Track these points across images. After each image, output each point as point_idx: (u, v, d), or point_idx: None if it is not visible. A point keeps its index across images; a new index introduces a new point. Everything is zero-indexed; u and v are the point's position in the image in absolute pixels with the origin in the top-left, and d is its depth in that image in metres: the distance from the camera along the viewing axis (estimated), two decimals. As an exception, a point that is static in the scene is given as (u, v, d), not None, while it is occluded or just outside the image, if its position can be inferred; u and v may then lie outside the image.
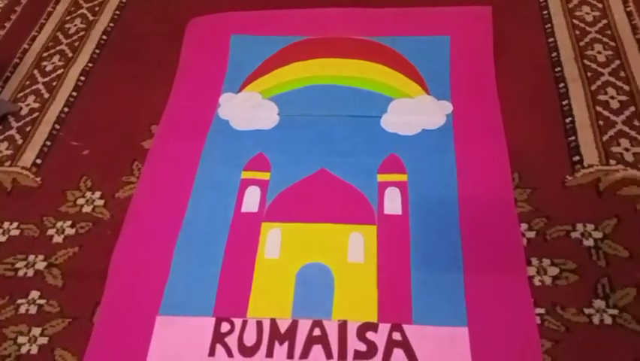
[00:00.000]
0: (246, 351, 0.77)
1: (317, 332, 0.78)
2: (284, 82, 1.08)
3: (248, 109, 1.04)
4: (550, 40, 1.11)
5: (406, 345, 0.76)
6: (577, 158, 0.93)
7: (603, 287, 0.80)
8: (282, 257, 0.86)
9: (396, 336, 0.77)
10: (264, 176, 0.95)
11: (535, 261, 0.83)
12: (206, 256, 0.86)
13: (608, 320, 0.76)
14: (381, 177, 0.93)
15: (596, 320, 0.77)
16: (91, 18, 1.27)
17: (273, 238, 0.88)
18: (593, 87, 1.02)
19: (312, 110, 1.03)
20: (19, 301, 0.86)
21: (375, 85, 1.06)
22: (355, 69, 1.08)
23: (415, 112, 1.01)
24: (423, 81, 1.05)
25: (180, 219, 0.90)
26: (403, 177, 0.93)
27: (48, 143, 1.05)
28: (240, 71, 1.10)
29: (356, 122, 1.01)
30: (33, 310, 0.85)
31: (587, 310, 0.78)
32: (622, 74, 1.04)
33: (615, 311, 0.77)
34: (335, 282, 0.83)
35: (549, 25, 1.13)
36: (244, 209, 0.91)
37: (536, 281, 0.81)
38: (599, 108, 0.99)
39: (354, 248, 0.86)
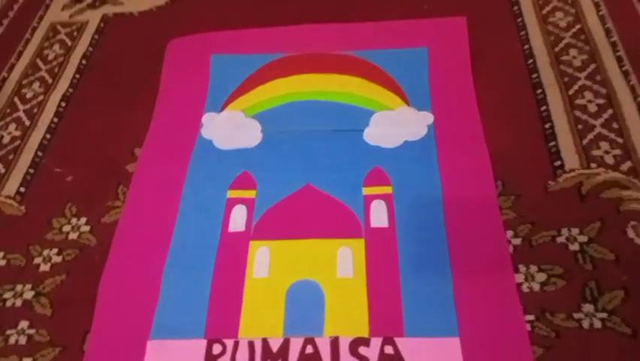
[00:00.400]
0: (239, 373, 0.77)
1: (309, 349, 0.78)
2: (265, 99, 1.08)
3: (231, 128, 1.05)
4: (526, 47, 1.12)
5: (398, 358, 0.76)
6: (558, 163, 0.94)
7: (591, 291, 0.80)
8: (271, 276, 0.85)
9: (389, 350, 0.77)
10: (250, 194, 0.95)
11: (522, 268, 0.83)
12: (194, 277, 0.86)
13: (598, 324, 0.77)
14: (367, 190, 0.94)
15: (585, 324, 0.77)
16: (69, 43, 1.27)
17: (261, 257, 0.87)
18: (571, 92, 1.04)
19: (294, 126, 1.04)
20: (9, 331, 0.85)
21: (356, 99, 1.06)
22: (335, 84, 1.09)
23: (396, 124, 1.02)
24: (403, 93, 1.06)
25: (167, 242, 0.90)
26: (387, 190, 0.93)
27: (31, 170, 1.04)
28: (221, 91, 1.10)
29: (338, 136, 1.02)
30: (23, 340, 0.84)
31: (576, 315, 0.78)
32: (598, 77, 1.05)
33: (604, 315, 0.78)
34: (325, 298, 0.83)
35: (524, 32, 1.14)
36: (231, 228, 0.91)
37: (525, 288, 0.81)
38: (577, 112, 1.01)
39: (342, 263, 0.86)
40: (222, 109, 1.08)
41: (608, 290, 0.80)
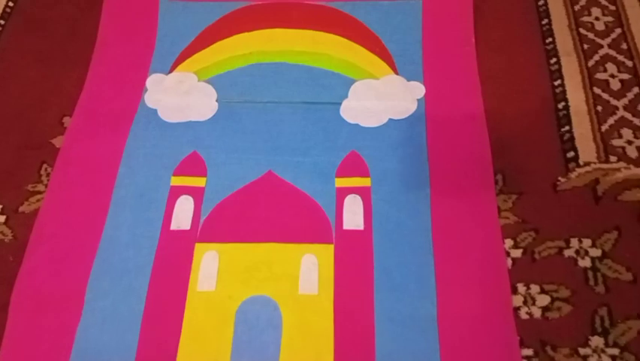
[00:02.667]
0: (174, 414, 0.64)
1: (260, 386, 0.65)
2: (224, 59, 0.90)
3: (180, 95, 0.87)
4: (541, 3, 0.94)
5: (367, 401, 0.63)
6: (571, 154, 0.79)
7: (602, 320, 0.67)
8: (219, 289, 0.71)
9: (356, 389, 0.64)
10: (199, 182, 0.79)
11: (521, 287, 0.70)
12: (126, 288, 0.71)
13: (608, 363, 0.65)
14: (340, 182, 0.78)
15: (593, 362, 0.65)
16: (-6, -19, 1.06)
17: (208, 264, 0.72)
18: (591, 63, 0.87)
19: (257, 95, 0.86)
20: None
21: (334, 62, 0.89)
22: (309, 42, 0.91)
23: (380, 97, 0.86)
24: (390, 57, 0.89)
25: (96, 241, 0.74)
26: (365, 182, 0.78)
27: (-62, 145, 0.86)
28: (171, 46, 0.92)
29: (310, 110, 0.85)
30: None
31: (582, 351, 0.66)
32: (623, 45, 0.89)
33: (616, 351, 0.65)
34: (283, 321, 0.68)
35: (539, -15, 0.96)
36: (174, 226, 0.75)
37: (523, 314, 0.68)
38: (597, 90, 0.85)
39: (306, 276, 0.71)
40: (172, 70, 0.90)
41: (622, 320, 0.67)
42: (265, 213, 0.76)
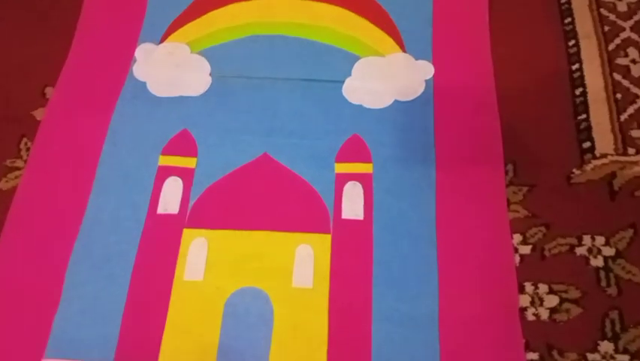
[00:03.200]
0: (155, 413, 0.60)
1: (247, 387, 0.61)
2: (219, 30, 0.85)
3: (171, 67, 0.81)
4: (561, -21, 0.88)
5: (361, 405, 0.60)
6: (587, 144, 0.74)
7: (612, 324, 0.64)
8: (207, 279, 0.67)
9: (350, 393, 0.60)
10: (189, 163, 0.74)
11: (529, 286, 0.66)
12: (107, 276, 0.67)
13: (617, 371, 0.62)
14: (340, 167, 0.73)
15: (601, 370, 0.62)
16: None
17: (196, 252, 0.68)
18: (611, 46, 0.82)
19: (253, 70, 0.81)
20: None
21: (337, 37, 0.83)
22: (311, 15, 0.85)
23: (385, 76, 0.80)
24: (398, 33, 0.84)
25: (77, 224, 0.70)
26: (367, 168, 0.73)
27: None
28: (162, 14, 0.86)
29: (310, 88, 0.80)
30: None
31: (590, 356, 0.62)
32: (647, 28, 0.83)
33: (626, 358, 0.62)
34: (275, 315, 0.64)
35: (559, -40, 0.89)
36: (161, 209, 0.71)
37: (530, 315, 0.65)
38: (617, 76, 0.79)
39: (301, 267, 0.67)
40: (162, 40, 0.84)
41: (633, 324, 0.64)
42: (259, 198, 0.72)
